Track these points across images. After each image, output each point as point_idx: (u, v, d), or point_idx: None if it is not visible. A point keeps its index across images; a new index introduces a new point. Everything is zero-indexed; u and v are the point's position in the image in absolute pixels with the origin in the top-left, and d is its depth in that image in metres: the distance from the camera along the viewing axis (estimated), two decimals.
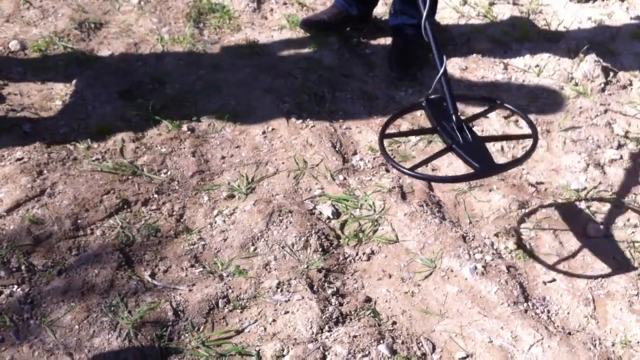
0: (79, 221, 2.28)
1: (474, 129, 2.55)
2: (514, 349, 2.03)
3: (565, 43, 3.31)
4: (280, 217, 2.35)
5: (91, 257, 2.18)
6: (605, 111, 2.97)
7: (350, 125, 2.83)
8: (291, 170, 2.57)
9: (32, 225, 2.24)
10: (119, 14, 3.28)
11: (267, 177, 2.55)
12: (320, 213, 2.43)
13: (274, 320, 2.05)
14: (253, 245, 2.28)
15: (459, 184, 2.57)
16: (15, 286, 2.07)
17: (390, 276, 2.24)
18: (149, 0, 3.38)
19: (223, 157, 2.62)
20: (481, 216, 2.48)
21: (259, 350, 1.97)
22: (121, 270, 2.16)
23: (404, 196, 2.50)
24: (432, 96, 2.21)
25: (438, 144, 2.73)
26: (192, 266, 2.20)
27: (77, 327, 1.98)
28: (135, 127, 2.68)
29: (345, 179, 2.57)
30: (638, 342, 2.08)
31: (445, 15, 3.49)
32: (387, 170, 2.62)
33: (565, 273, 2.27)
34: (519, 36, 3.37)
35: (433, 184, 2.59)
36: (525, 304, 2.16)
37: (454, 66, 3.17)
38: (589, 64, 3.09)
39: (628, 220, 2.49)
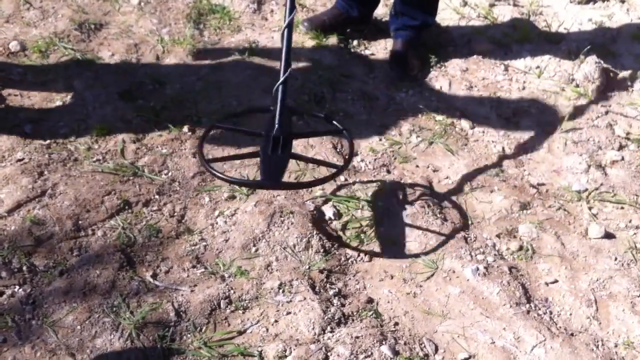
0: (80, 222, 2.28)
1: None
2: (516, 350, 2.03)
3: (565, 44, 3.31)
4: (282, 218, 2.35)
5: (92, 257, 2.17)
6: (606, 112, 2.97)
7: (350, 125, 2.82)
8: (292, 171, 2.57)
9: (33, 226, 2.23)
10: (119, 14, 3.27)
11: None
12: (322, 214, 2.42)
13: (276, 321, 2.05)
14: (254, 246, 2.28)
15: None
16: (17, 287, 2.06)
17: (392, 277, 2.24)
18: (149, 1, 3.37)
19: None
20: (483, 217, 2.48)
21: (261, 350, 1.96)
22: (123, 270, 2.15)
23: (405, 197, 2.50)
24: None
25: (439, 145, 2.75)
26: (193, 267, 2.20)
27: (79, 327, 1.97)
28: (136, 128, 2.68)
29: (346, 179, 2.57)
30: None
31: (446, 16, 3.49)
32: (389, 172, 2.62)
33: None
34: (519, 38, 3.37)
35: (433, 184, 2.59)
36: (527, 305, 2.16)
37: (455, 67, 3.17)
38: (590, 65, 3.09)
39: (630, 221, 2.49)
